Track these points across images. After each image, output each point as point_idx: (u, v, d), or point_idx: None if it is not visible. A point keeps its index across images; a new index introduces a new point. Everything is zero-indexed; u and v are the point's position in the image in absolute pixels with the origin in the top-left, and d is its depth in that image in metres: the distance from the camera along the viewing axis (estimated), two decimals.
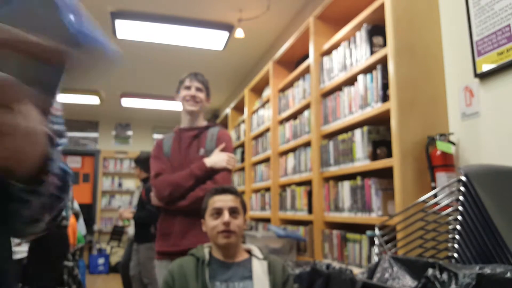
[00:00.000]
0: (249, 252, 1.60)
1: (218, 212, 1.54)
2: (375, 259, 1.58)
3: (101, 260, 6.78)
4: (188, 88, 2.05)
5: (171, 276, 1.49)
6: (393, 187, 1.88)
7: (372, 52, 2.15)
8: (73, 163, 7.78)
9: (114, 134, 8.01)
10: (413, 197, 1.76)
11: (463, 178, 1.33)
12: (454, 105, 1.90)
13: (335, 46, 2.56)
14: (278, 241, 2.77)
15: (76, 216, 4.56)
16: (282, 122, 3.42)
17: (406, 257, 1.39)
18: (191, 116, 2.07)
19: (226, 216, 1.52)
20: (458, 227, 1.35)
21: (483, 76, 1.73)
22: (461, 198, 1.34)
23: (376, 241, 1.63)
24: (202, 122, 2.12)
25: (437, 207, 1.49)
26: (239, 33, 3.90)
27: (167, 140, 2.08)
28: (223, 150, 1.99)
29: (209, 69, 5.42)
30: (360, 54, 2.26)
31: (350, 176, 2.34)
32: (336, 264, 1.66)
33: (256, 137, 4.10)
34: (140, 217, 3.84)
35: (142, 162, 4.10)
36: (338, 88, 2.49)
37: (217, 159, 1.94)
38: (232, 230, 1.51)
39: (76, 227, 4.32)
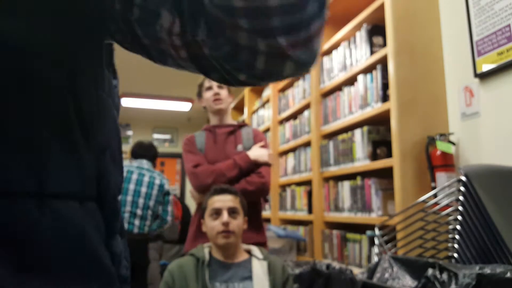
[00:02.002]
0: (249, 252, 1.60)
1: (217, 213, 1.54)
2: (375, 259, 1.58)
3: None
4: (210, 88, 2.05)
5: (171, 276, 1.49)
6: (393, 187, 1.88)
7: (372, 52, 2.15)
8: None
9: None
10: (413, 197, 1.76)
11: (463, 178, 1.33)
12: (454, 105, 1.89)
13: (335, 46, 2.56)
14: (278, 241, 2.77)
15: None
16: (282, 122, 3.42)
17: (406, 257, 1.39)
18: (220, 114, 2.06)
19: (225, 216, 1.52)
20: (458, 227, 1.35)
21: (483, 76, 1.73)
22: (461, 198, 1.34)
23: (376, 241, 1.63)
24: (231, 120, 2.12)
25: (437, 207, 1.49)
26: None
27: (199, 137, 2.05)
28: (262, 147, 2.00)
29: None
30: (360, 54, 2.26)
31: (350, 176, 2.33)
32: (336, 264, 1.65)
33: None
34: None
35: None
36: (338, 88, 2.49)
37: (259, 153, 1.93)
38: (231, 230, 1.51)
39: None
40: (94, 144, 0.43)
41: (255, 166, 1.91)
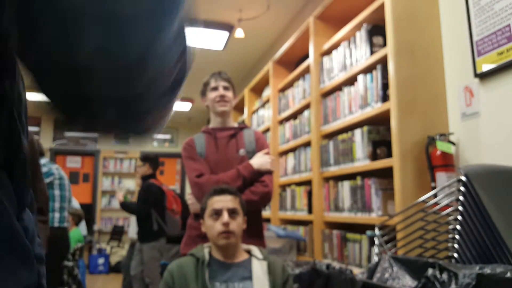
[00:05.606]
0: (249, 252, 1.60)
1: (217, 213, 1.54)
2: (375, 259, 1.58)
3: (101, 260, 6.78)
4: (215, 88, 1.99)
5: (171, 276, 1.49)
6: (393, 187, 1.88)
7: (372, 52, 2.15)
8: (73, 163, 7.79)
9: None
10: (413, 197, 1.76)
11: (463, 178, 1.33)
12: (454, 105, 1.90)
13: (335, 46, 2.56)
14: (278, 241, 2.77)
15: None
16: (282, 122, 3.42)
17: (406, 257, 1.39)
18: (223, 116, 2.01)
19: (225, 217, 1.52)
20: (458, 227, 1.35)
21: (483, 76, 1.73)
22: (461, 198, 1.34)
23: (376, 241, 1.63)
24: (233, 122, 2.07)
25: (437, 207, 1.49)
26: (239, 33, 3.90)
27: (199, 140, 2.00)
28: (264, 154, 1.95)
29: (209, 69, 5.41)
30: (360, 54, 2.26)
31: (350, 176, 2.33)
32: (336, 264, 1.66)
33: None
34: (139, 212, 3.84)
35: (152, 159, 4.09)
36: (338, 88, 2.49)
37: (262, 161, 1.89)
38: (231, 230, 1.51)
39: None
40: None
41: (258, 174, 1.88)
